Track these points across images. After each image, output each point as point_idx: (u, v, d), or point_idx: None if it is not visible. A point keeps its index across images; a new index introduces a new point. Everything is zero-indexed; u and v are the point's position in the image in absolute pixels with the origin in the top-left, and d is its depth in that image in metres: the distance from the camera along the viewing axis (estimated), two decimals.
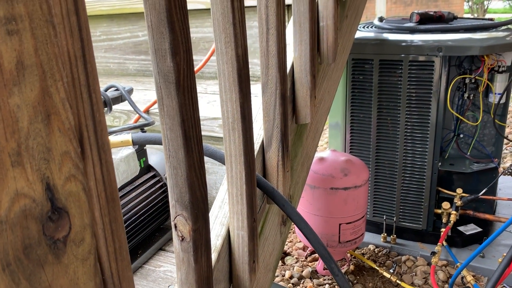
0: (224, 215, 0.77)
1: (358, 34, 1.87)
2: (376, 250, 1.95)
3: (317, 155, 1.75)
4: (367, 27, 2.04)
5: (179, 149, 0.56)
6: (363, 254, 1.94)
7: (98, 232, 0.44)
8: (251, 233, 0.74)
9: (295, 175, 1.06)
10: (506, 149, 3.02)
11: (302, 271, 1.83)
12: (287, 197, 0.99)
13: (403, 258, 1.87)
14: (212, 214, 0.78)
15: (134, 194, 0.86)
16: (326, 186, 1.65)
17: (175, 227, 0.60)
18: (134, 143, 0.76)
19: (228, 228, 0.76)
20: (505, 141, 3.01)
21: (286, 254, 1.98)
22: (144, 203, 0.87)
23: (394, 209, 1.96)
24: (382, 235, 1.97)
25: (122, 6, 1.39)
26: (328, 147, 2.13)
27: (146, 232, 0.90)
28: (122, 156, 0.83)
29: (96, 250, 0.44)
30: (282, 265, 1.91)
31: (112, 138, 0.77)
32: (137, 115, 0.98)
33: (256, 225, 0.76)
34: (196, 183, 0.58)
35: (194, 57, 1.37)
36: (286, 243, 2.05)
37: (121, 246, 0.47)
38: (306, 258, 1.93)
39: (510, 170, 1.91)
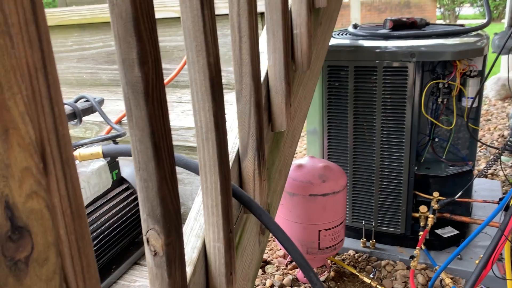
0: (200, 227, 0.76)
1: (333, 41, 1.89)
2: (356, 255, 1.96)
3: (296, 162, 1.75)
4: (342, 34, 2.06)
5: (150, 161, 0.54)
6: (343, 260, 1.94)
7: (63, 250, 0.43)
8: (228, 245, 0.73)
9: (273, 183, 1.05)
10: (480, 152, 3.08)
11: (283, 279, 1.82)
12: (265, 206, 0.98)
13: (383, 262, 1.88)
14: (188, 226, 0.77)
15: (106, 207, 0.84)
16: (305, 193, 1.64)
17: (148, 241, 0.59)
18: (104, 155, 0.74)
19: (204, 240, 0.74)
20: (479, 143, 3.08)
21: (266, 262, 1.97)
22: (117, 216, 0.85)
23: (373, 214, 1.98)
24: (361, 240, 1.98)
25: (93, 16, 1.36)
26: (307, 153, 2.13)
27: (120, 246, 0.88)
28: (93, 168, 0.80)
29: (62, 269, 0.42)
30: (262, 273, 1.89)
31: (82, 151, 0.75)
32: (110, 126, 0.96)
33: (233, 236, 0.74)
34: (168, 196, 0.56)
35: (168, 66, 1.35)
36: (266, 251, 2.03)
37: (88, 264, 0.45)
38: (286, 265, 1.92)
39: (484, 172, 1.94)
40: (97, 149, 0.74)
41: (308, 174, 1.68)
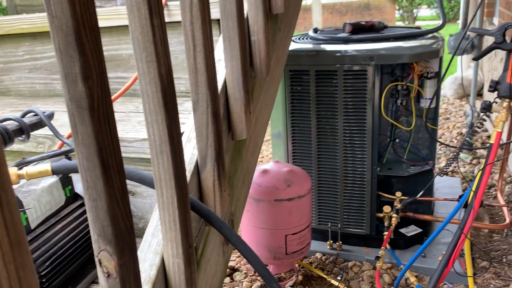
0: (158, 242, 0.73)
1: (294, 46, 1.89)
2: (323, 258, 1.97)
3: (261, 167, 1.74)
4: (303, 38, 2.07)
5: (98, 179, 0.52)
6: (310, 263, 1.95)
7: (1, 282, 0.40)
8: (188, 260, 0.70)
9: (236, 191, 1.04)
10: (441, 150, 3.17)
11: (251, 286, 1.80)
12: (228, 216, 0.96)
13: (350, 264, 1.90)
14: (145, 242, 0.74)
15: (59, 226, 0.80)
16: (271, 198, 1.64)
17: (100, 263, 0.56)
18: (54, 172, 0.71)
19: (163, 257, 0.72)
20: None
21: (234, 270, 1.95)
22: (71, 234, 0.81)
23: (338, 215, 1.99)
24: (328, 242, 1.99)
25: (44, 24, 1.31)
26: (272, 157, 2.13)
27: (76, 266, 0.84)
28: (44, 186, 0.77)
29: None
30: (230, 281, 1.87)
31: (29, 169, 0.71)
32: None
33: (193, 251, 0.72)
34: (119, 215, 0.54)
35: (125, 75, 1.31)
36: (234, 258, 2.01)
37: None
38: (255, 272, 1.91)
39: (444, 171, 2.00)
40: (46, 166, 0.71)
41: (273, 179, 1.67)
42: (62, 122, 1.13)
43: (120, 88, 1.24)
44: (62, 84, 0.50)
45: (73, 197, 0.86)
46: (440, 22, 2.08)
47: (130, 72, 1.30)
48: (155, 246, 0.73)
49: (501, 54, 3.05)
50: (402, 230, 1.98)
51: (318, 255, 1.98)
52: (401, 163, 1.98)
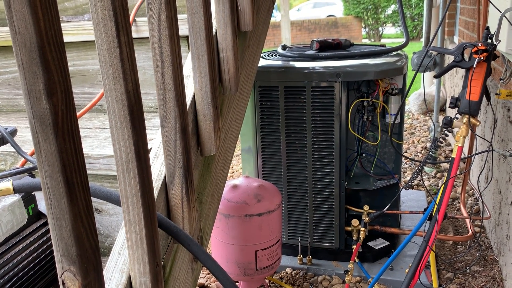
0: (125, 261, 0.72)
1: (264, 62, 1.92)
2: (293, 272, 1.97)
3: (231, 182, 1.74)
4: (272, 55, 2.10)
5: (62, 198, 0.51)
6: (281, 278, 1.94)
7: None
8: (155, 279, 0.69)
9: (205, 208, 1.03)
10: (406, 164, 3.26)
11: None
12: (197, 232, 0.95)
13: (320, 278, 1.91)
14: (111, 261, 0.73)
15: (21, 246, 0.77)
16: (241, 214, 1.63)
17: (63, 284, 0.54)
18: (16, 191, 0.69)
19: (130, 275, 0.70)
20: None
21: (204, 287, 1.92)
22: (34, 254, 0.79)
23: (308, 230, 2.00)
24: (298, 257, 2.00)
25: (7, 38, 1.28)
26: (242, 171, 2.13)
27: (39, 286, 0.81)
28: (5, 205, 0.74)
29: None
30: None
31: None
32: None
33: (160, 269, 0.71)
34: (84, 234, 0.53)
35: (92, 90, 1.29)
36: (204, 275, 1.99)
37: None
38: None
39: (410, 184, 2.05)
40: (7, 184, 0.69)
41: (243, 194, 1.67)
42: (25, 138, 1.10)
43: (86, 104, 1.22)
44: (25, 100, 0.49)
45: (36, 215, 0.83)
46: (404, 40, 2.15)
47: (97, 87, 1.29)
48: (121, 265, 0.71)
49: (462, 71, 3.18)
50: (370, 243, 2.01)
51: (288, 270, 1.98)
52: (368, 177, 2.02)
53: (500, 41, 1.41)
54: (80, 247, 0.52)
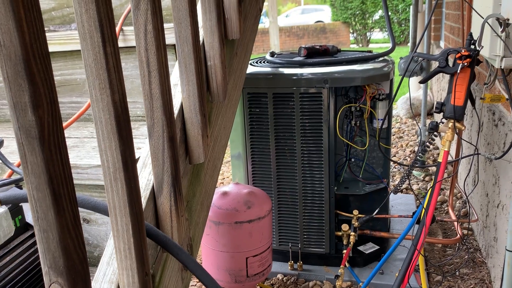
0: (113, 271, 0.72)
1: (252, 69, 1.93)
2: (284, 278, 1.97)
3: (221, 189, 1.74)
4: (260, 62, 2.11)
5: (49, 210, 0.51)
6: (272, 284, 1.94)
7: None
8: None
9: (194, 216, 1.03)
10: (395, 168, 3.28)
11: None
12: (187, 241, 0.95)
13: (310, 284, 1.91)
14: (100, 272, 0.72)
15: (8, 258, 0.76)
16: (231, 221, 1.63)
17: None
18: (2, 202, 0.68)
19: (119, 286, 0.70)
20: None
21: None
22: (22, 266, 0.78)
23: (299, 235, 2.01)
24: (289, 263, 2.00)
25: None
26: (232, 177, 2.13)
27: None
28: None
29: None
30: None
31: None
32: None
33: (149, 279, 0.71)
34: (72, 245, 0.53)
35: (79, 99, 1.29)
36: (194, 283, 1.98)
37: None
38: None
39: (398, 188, 2.06)
40: None
41: (233, 201, 1.67)
42: (12, 149, 1.09)
43: (74, 113, 1.21)
44: (10, 113, 0.49)
45: (24, 227, 0.83)
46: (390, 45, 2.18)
47: (85, 96, 1.29)
48: (110, 275, 0.71)
49: (448, 75, 3.22)
50: (360, 248, 2.02)
51: (279, 276, 1.98)
52: (357, 182, 2.04)
53: (483, 46, 1.44)
54: (67, 259, 0.52)
